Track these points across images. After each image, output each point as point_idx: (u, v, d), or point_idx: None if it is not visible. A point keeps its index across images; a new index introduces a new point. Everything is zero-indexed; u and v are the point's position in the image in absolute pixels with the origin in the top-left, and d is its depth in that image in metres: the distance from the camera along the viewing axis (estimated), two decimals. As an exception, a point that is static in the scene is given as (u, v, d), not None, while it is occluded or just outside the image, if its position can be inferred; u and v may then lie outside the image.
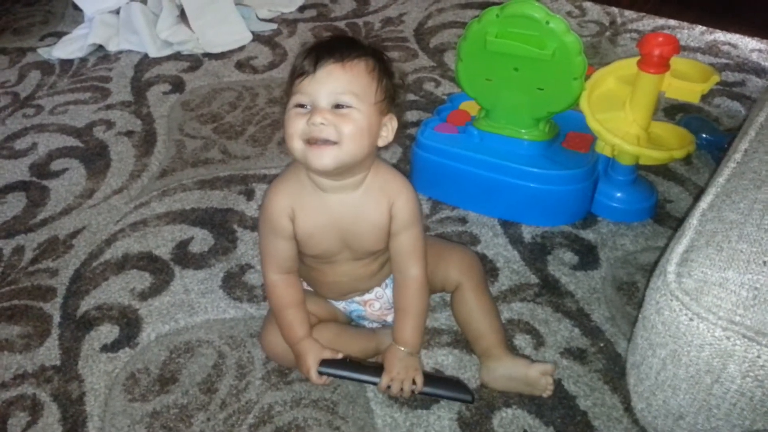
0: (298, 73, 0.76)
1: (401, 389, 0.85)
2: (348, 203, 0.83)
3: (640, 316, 0.49)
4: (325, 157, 0.75)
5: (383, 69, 0.79)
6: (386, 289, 0.94)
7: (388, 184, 0.84)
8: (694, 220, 0.48)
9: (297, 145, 0.76)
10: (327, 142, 0.75)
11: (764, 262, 0.42)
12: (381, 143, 0.81)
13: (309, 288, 0.95)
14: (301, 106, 0.76)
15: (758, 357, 0.41)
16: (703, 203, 0.50)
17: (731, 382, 0.43)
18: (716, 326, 0.43)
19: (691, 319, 0.44)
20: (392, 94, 0.81)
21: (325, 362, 0.86)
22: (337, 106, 0.75)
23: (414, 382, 0.85)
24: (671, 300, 0.44)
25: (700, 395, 0.45)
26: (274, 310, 0.89)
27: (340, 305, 0.95)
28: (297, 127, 0.75)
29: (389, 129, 0.81)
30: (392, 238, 0.86)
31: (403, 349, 0.87)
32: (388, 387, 0.86)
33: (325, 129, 0.74)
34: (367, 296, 0.94)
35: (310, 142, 0.75)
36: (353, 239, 0.85)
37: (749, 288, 0.42)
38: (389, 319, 0.95)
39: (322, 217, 0.83)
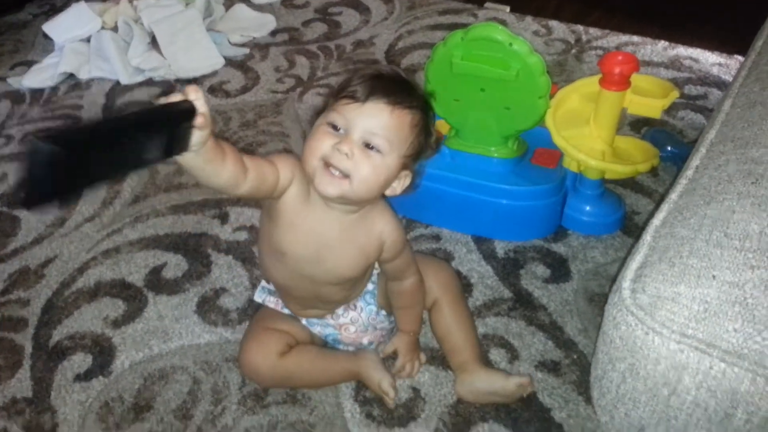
0: (346, 94, 0.75)
1: (410, 369, 0.95)
2: (341, 221, 0.82)
3: (600, 331, 0.51)
4: (331, 187, 0.75)
5: (425, 127, 0.80)
6: (361, 313, 0.94)
7: (380, 216, 0.85)
8: (647, 237, 0.50)
9: (314, 162, 0.75)
10: (341, 174, 0.74)
11: (713, 276, 0.44)
12: (388, 192, 0.81)
13: (285, 311, 0.95)
14: (334, 127, 0.76)
15: (710, 368, 0.43)
16: (657, 220, 0.52)
17: (687, 393, 0.44)
18: (670, 340, 0.44)
19: (646, 334, 0.45)
20: (421, 153, 0.81)
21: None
22: (368, 145, 0.75)
23: (420, 361, 0.96)
24: (627, 315, 0.46)
25: (659, 407, 0.46)
26: None
27: (316, 329, 0.95)
28: (322, 146, 0.74)
29: (401, 184, 0.81)
30: (385, 263, 0.89)
31: (410, 334, 0.95)
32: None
33: (346, 161, 0.73)
34: (342, 320, 0.94)
35: (327, 164, 0.74)
36: (330, 258, 0.83)
37: (700, 302, 0.44)
38: (365, 341, 0.96)
39: (311, 219, 0.80)
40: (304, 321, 0.95)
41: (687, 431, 0.47)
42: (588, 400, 0.90)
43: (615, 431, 0.51)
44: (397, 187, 0.81)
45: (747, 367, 0.42)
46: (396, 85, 0.78)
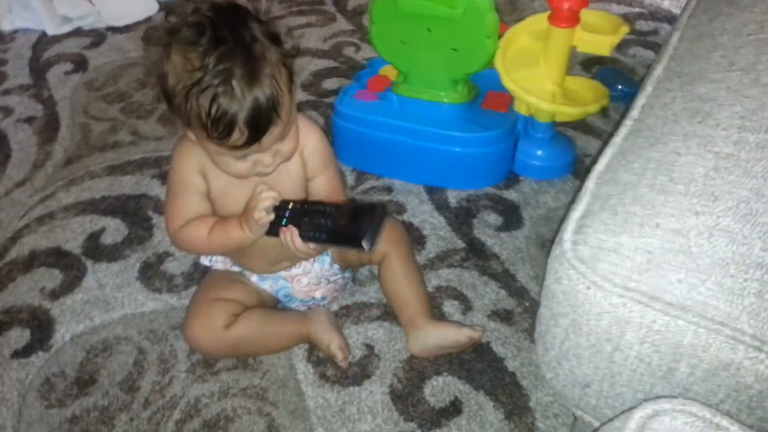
0: (233, 144, 0.70)
1: None
2: None
3: (543, 285, 0.49)
4: None
5: (288, 68, 0.73)
6: (314, 263, 0.91)
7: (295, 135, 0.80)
8: (590, 183, 0.48)
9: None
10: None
11: (657, 225, 0.42)
12: None
13: (235, 268, 0.92)
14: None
15: (653, 322, 0.41)
16: (600, 165, 0.49)
17: (630, 348, 0.43)
18: (612, 294, 0.42)
19: (588, 288, 0.43)
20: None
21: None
22: None
23: None
24: (569, 269, 0.44)
25: (603, 363, 0.45)
26: (198, 243, 0.82)
27: (267, 284, 0.92)
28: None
29: (293, 90, 0.77)
30: (310, 183, 0.86)
31: None
32: None
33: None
34: (294, 270, 0.91)
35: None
36: None
37: (643, 252, 0.42)
38: (318, 294, 0.93)
39: (234, 182, 0.79)
40: (254, 278, 0.91)
41: (631, 386, 0.45)
42: (542, 346, 0.90)
43: (560, 387, 0.50)
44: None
45: (690, 320, 0.40)
46: (254, 76, 0.67)
